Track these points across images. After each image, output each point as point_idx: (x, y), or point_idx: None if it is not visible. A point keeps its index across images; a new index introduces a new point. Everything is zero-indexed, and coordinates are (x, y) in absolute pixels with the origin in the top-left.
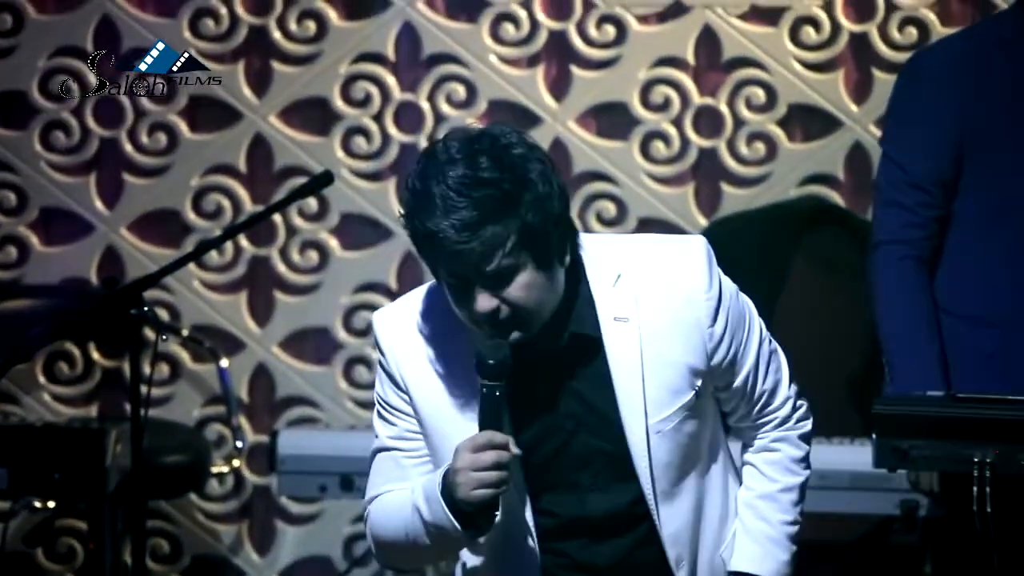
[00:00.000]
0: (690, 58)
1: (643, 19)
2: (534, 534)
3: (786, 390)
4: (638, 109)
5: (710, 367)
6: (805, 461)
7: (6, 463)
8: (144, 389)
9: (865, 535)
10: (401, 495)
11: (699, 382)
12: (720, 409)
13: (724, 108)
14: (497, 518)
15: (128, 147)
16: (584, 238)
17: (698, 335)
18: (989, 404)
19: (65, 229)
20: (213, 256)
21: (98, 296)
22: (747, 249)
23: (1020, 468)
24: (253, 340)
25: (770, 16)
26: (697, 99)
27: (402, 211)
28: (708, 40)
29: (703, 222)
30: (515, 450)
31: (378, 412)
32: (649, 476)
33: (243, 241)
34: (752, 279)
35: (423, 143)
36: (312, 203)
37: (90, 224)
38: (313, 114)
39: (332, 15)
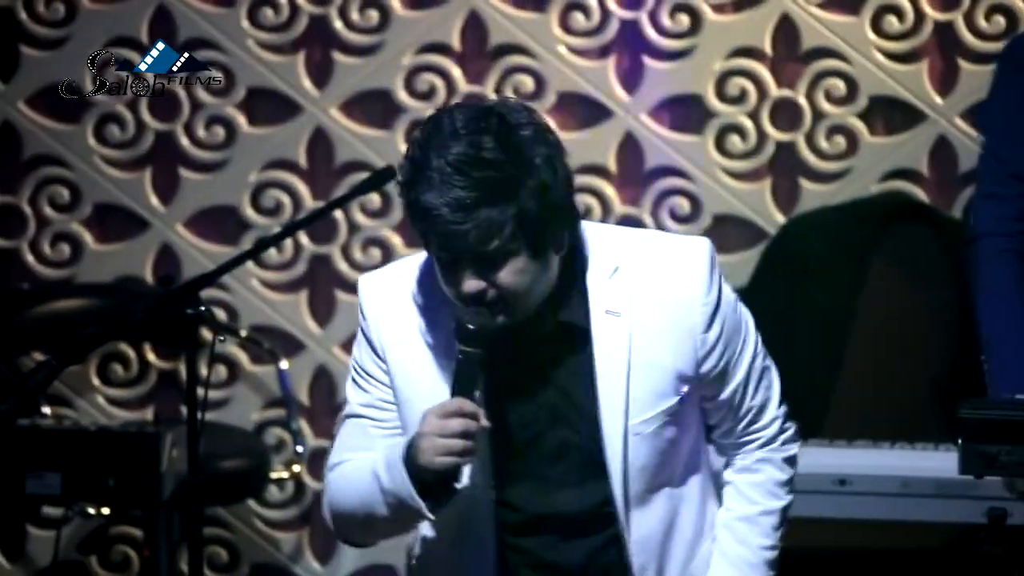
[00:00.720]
0: (767, 48)
1: (718, 8)
2: (494, 527)
3: (775, 409)
4: (713, 101)
5: (699, 374)
6: (789, 485)
7: (59, 468)
8: (201, 392)
9: (950, 544)
10: (362, 462)
11: (685, 388)
12: (705, 421)
13: (803, 100)
14: (457, 490)
15: (184, 141)
16: (587, 226)
17: (690, 340)
18: None
19: (119, 226)
20: (272, 254)
21: (153, 295)
22: (826, 247)
23: None
24: (314, 341)
25: (851, 4)
26: (774, 91)
27: (399, 178)
28: (786, 30)
29: (780, 219)
30: (484, 422)
31: (352, 378)
32: (622, 477)
33: (303, 238)
34: (831, 278)
35: None
36: (375, 199)
37: (145, 221)
38: (376, 107)
39: (395, 4)
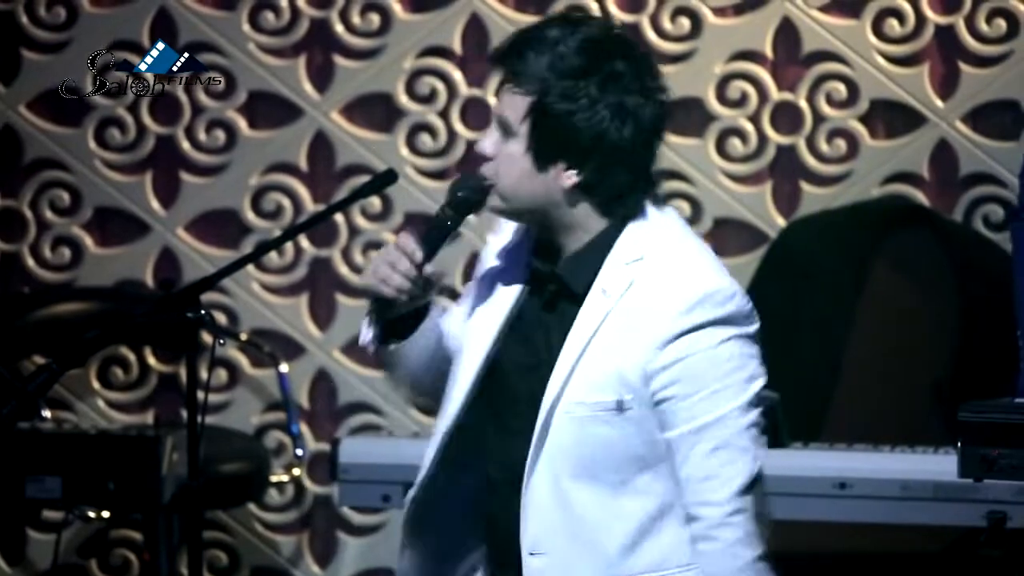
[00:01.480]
0: (768, 52)
1: (719, 11)
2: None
3: (724, 496)
4: (714, 105)
5: (644, 390)
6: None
7: (59, 472)
8: (201, 395)
9: (950, 547)
10: None
11: (628, 397)
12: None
13: (803, 104)
14: (405, 330)
15: (185, 145)
16: (653, 212)
17: (645, 349)
18: None
19: (120, 230)
20: (273, 258)
21: (154, 299)
22: (827, 250)
23: None
24: (314, 345)
25: (852, 8)
26: (775, 94)
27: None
28: (787, 33)
29: (781, 222)
30: (427, 270)
31: None
32: (536, 445)
33: (304, 242)
34: (832, 281)
35: None
36: (375, 202)
37: (146, 224)
38: (377, 110)
39: (396, 8)
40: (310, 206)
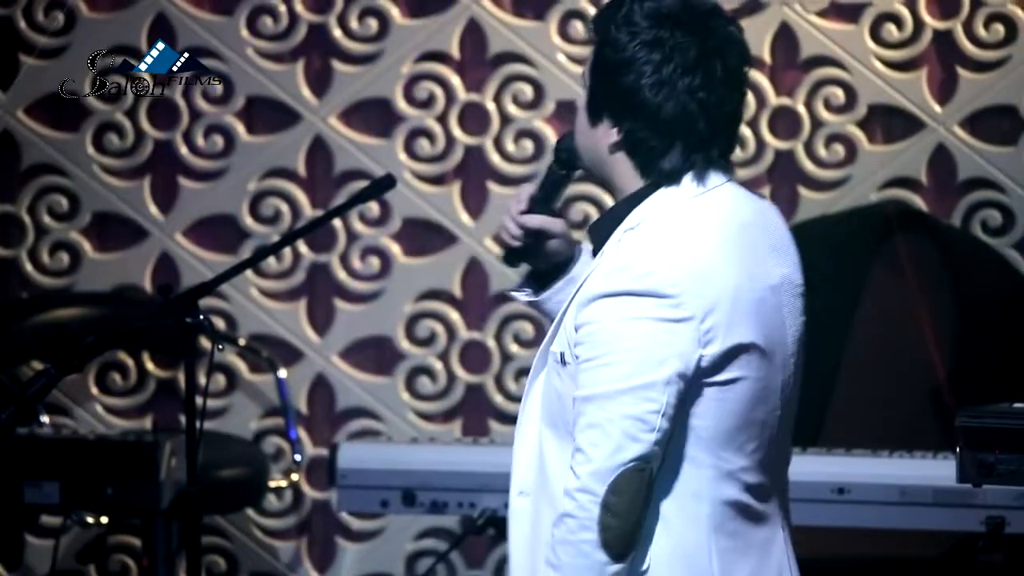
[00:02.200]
0: (766, 56)
1: None
2: None
3: (581, 473)
4: None
5: (573, 346)
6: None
7: (58, 477)
8: (200, 400)
9: (948, 553)
10: None
11: (565, 351)
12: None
13: (802, 108)
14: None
15: (183, 150)
16: (687, 182)
17: (577, 305)
18: None
19: (118, 235)
20: (271, 263)
21: (152, 304)
22: (825, 255)
23: None
24: (312, 350)
25: (850, 13)
26: (774, 99)
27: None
28: (785, 38)
29: None
30: (527, 221)
31: None
32: (529, 387)
33: (302, 247)
34: (830, 286)
35: (488, 145)
36: (374, 207)
37: (144, 229)
38: (375, 115)
39: (395, 12)
40: (308, 211)
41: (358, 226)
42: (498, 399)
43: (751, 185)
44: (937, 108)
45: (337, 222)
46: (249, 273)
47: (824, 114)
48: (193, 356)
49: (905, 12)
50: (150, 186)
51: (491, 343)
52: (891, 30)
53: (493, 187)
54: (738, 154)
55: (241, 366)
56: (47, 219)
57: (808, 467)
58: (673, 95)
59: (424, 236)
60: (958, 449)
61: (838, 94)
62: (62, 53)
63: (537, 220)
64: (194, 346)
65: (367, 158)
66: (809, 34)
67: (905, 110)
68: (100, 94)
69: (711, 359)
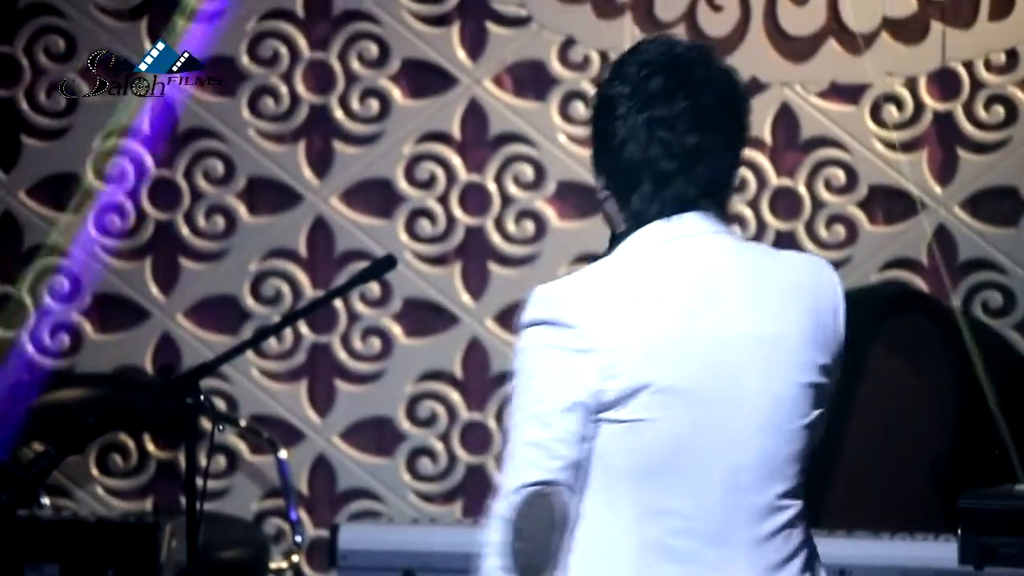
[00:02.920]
0: (767, 137)
1: None
2: None
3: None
4: None
5: None
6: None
7: (58, 559)
8: (200, 482)
9: None
10: None
11: None
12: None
13: (802, 189)
14: None
15: (184, 230)
16: (645, 229)
17: None
18: None
19: (119, 316)
20: (272, 344)
21: (153, 385)
22: None
23: None
24: (313, 430)
25: (851, 94)
26: (774, 180)
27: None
28: (786, 118)
29: None
30: None
31: None
32: None
33: (303, 328)
34: None
35: (490, 226)
36: (375, 288)
37: (145, 310)
38: (376, 196)
39: (396, 93)
40: (309, 292)
41: (359, 307)
42: (498, 479)
43: None
44: (938, 189)
45: (338, 303)
46: (250, 354)
47: (825, 195)
48: (194, 437)
49: (906, 93)
50: (151, 267)
51: (492, 424)
52: (892, 111)
53: (494, 267)
54: (739, 234)
55: (242, 447)
56: (48, 300)
57: None
58: (634, 133)
59: (425, 317)
60: (960, 531)
61: (839, 175)
62: (64, 135)
63: None
64: (195, 427)
65: (368, 238)
66: (810, 115)
67: (906, 191)
68: (102, 175)
69: (615, 394)
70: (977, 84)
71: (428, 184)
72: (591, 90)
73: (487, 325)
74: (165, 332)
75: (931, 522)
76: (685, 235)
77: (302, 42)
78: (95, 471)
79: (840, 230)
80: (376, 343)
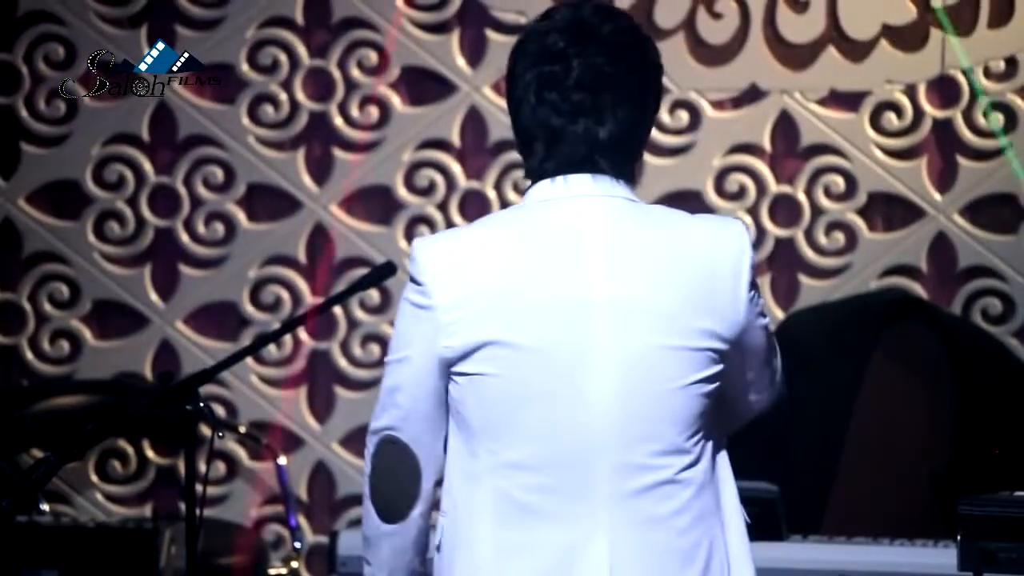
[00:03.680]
0: (767, 145)
1: (718, 104)
2: None
3: None
4: (712, 197)
5: None
6: None
7: (57, 564)
8: (200, 488)
9: None
10: None
11: None
12: None
13: (802, 196)
14: None
15: (184, 237)
16: (529, 196)
17: None
18: None
19: (119, 322)
20: (271, 350)
21: (152, 392)
22: (825, 343)
23: None
24: (313, 437)
25: (850, 101)
26: (774, 187)
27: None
28: (785, 126)
29: (780, 314)
30: None
31: None
32: None
33: (302, 334)
34: (830, 374)
35: None
36: (374, 295)
37: (145, 317)
38: (375, 203)
39: (395, 100)
40: (309, 299)
41: (358, 313)
42: None
43: None
44: (937, 196)
45: (337, 309)
46: (249, 360)
47: (824, 202)
48: (193, 443)
49: (905, 101)
50: (151, 274)
51: None
52: (891, 119)
53: None
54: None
55: (241, 453)
56: (48, 307)
57: (809, 555)
58: (525, 93)
59: None
60: (959, 537)
61: (838, 182)
62: (63, 141)
63: None
64: (194, 433)
65: (368, 245)
66: (809, 122)
67: (905, 198)
68: (101, 182)
69: (456, 351)
70: (976, 91)
71: (428, 191)
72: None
73: None
74: (165, 339)
75: (930, 528)
76: (564, 196)
77: (302, 49)
78: (95, 477)
79: (840, 237)
80: (375, 349)
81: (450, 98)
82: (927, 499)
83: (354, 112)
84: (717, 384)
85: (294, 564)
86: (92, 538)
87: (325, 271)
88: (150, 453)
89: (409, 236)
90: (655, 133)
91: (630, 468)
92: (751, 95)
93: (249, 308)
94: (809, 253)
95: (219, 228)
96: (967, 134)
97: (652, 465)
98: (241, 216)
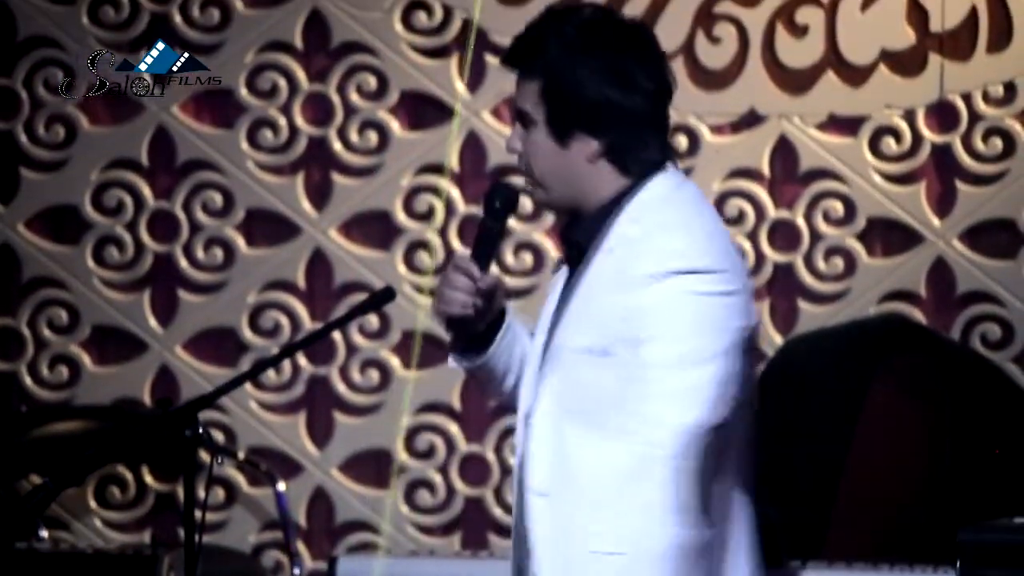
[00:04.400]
0: (765, 169)
1: (716, 129)
2: None
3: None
4: None
5: (620, 334)
6: None
7: None
8: (199, 514)
9: None
10: None
11: (606, 342)
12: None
13: (801, 221)
14: (484, 344)
15: (183, 262)
16: (664, 175)
17: (621, 295)
18: None
19: (118, 348)
20: (270, 376)
21: (151, 417)
22: (824, 369)
23: None
24: (311, 463)
25: (849, 126)
26: (773, 212)
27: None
28: (784, 151)
29: (778, 340)
30: (483, 284)
31: None
32: (537, 383)
33: (301, 360)
34: (830, 399)
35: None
36: (373, 320)
37: (143, 343)
38: (375, 228)
39: (394, 125)
40: (308, 324)
41: (358, 339)
42: (498, 512)
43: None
44: (936, 221)
45: (336, 335)
46: (248, 386)
47: (823, 227)
48: (192, 469)
49: (904, 126)
50: (150, 299)
51: (491, 456)
52: (890, 143)
53: None
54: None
55: (240, 479)
56: (47, 332)
57: None
58: (641, 91)
59: (424, 350)
60: (958, 564)
61: (837, 207)
62: (63, 167)
63: (491, 280)
64: (193, 459)
65: (367, 270)
66: (808, 147)
67: (904, 223)
68: (100, 207)
69: (753, 330)
70: (975, 116)
71: (427, 216)
72: None
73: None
74: (163, 364)
75: (929, 555)
76: (681, 174)
77: (301, 74)
78: (93, 503)
79: (839, 262)
80: (375, 375)
81: (449, 122)
82: (926, 525)
83: (353, 137)
84: None
85: None
86: (91, 565)
87: (324, 296)
88: (149, 479)
89: (408, 261)
90: None
91: None
92: (750, 120)
93: (248, 333)
94: (808, 278)
95: (218, 253)
96: (966, 159)
97: None
98: (240, 241)
